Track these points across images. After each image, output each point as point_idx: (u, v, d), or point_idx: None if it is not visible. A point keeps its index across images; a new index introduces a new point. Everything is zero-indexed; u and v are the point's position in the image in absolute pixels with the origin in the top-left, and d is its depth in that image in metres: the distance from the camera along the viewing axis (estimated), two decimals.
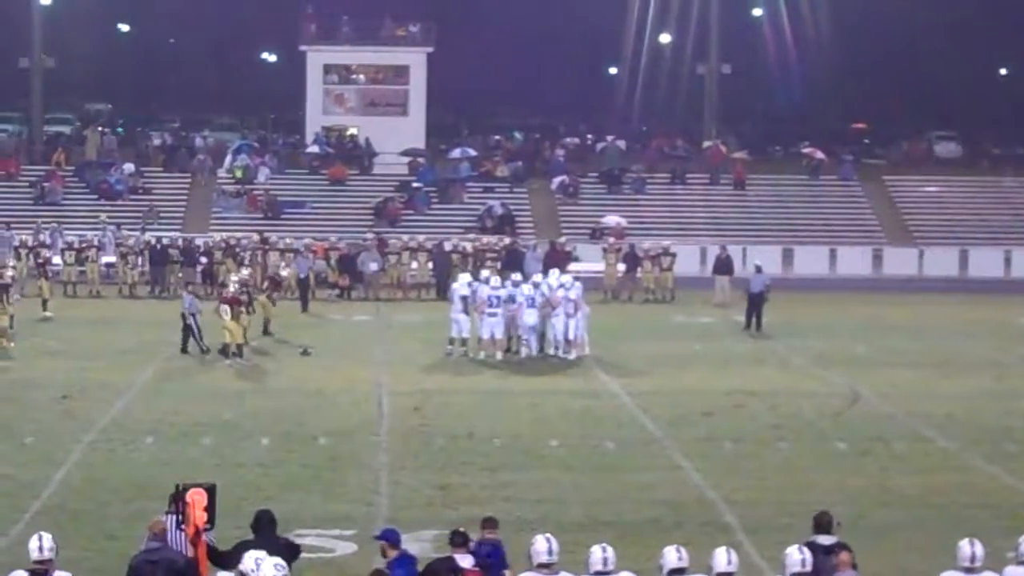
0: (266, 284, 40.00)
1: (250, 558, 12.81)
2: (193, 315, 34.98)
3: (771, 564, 16.91)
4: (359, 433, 26.62)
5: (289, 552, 13.69)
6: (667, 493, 22.49)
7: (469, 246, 49.44)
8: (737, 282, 45.50)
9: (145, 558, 13.62)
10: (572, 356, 34.93)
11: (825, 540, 14.17)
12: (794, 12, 75.09)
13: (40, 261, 44.02)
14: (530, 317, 35.18)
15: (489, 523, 14.83)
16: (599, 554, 13.39)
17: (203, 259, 47.87)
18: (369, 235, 50.77)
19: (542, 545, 13.38)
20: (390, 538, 14.20)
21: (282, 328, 38.52)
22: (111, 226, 52.18)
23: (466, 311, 35.17)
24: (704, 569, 13.40)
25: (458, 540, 14.10)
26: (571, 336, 35.13)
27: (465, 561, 13.83)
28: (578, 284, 36.24)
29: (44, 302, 41.28)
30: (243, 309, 34.36)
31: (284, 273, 43.53)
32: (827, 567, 13.74)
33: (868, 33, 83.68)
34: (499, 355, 34.91)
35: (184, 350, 34.87)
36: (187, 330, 34.96)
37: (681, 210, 60.99)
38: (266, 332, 37.78)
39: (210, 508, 13.98)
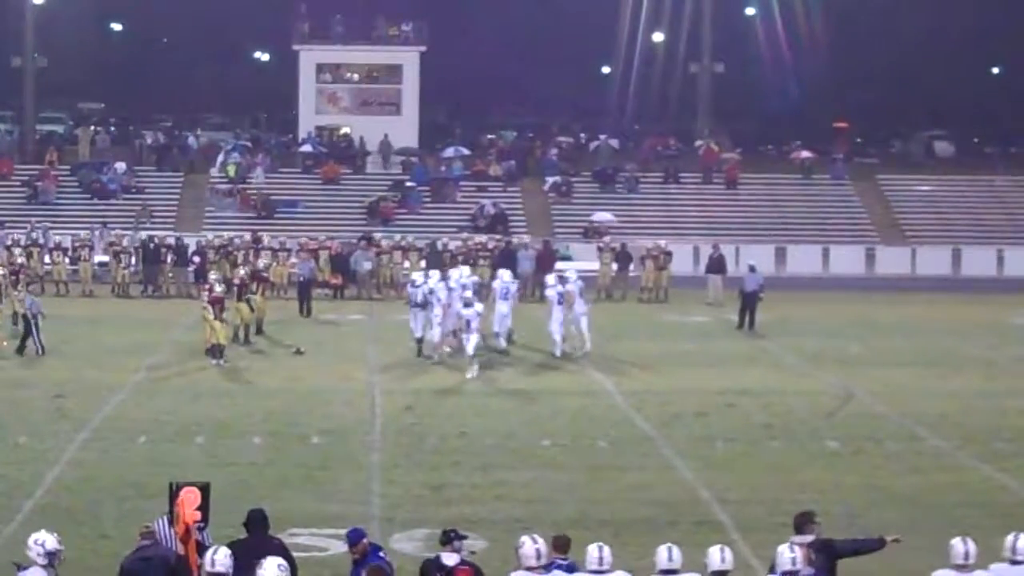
0: (254, 284, 39.56)
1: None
2: (35, 315, 34.73)
3: (764, 563, 16.91)
4: (352, 432, 26.63)
5: (285, 557, 13.65)
6: (660, 492, 22.51)
7: (455, 244, 49.34)
8: (730, 281, 45.51)
9: (137, 556, 13.64)
10: (584, 350, 34.97)
11: (800, 540, 14.14)
12: (787, 11, 75.12)
13: (16, 267, 41.91)
14: (502, 307, 35.40)
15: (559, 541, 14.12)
16: (595, 553, 13.41)
17: (196, 258, 47.85)
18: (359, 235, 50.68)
19: (530, 549, 13.35)
20: (351, 537, 14.28)
21: (275, 328, 38.52)
22: (98, 225, 52.20)
23: (419, 309, 35.14)
24: (700, 568, 13.41)
25: (444, 539, 14.07)
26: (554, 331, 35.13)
27: (450, 559, 13.82)
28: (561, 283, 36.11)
29: (15, 314, 38.74)
30: (224, 308, 34.28)
31: (261, 265, 42.41)
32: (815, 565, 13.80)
33: (861, 32, 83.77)
34: (443, 353, 34.55)
35: (20, 351, 34.31)
36: (28, 329, 34.60)
37: (674, 209, 61.01)
38: (259, 331, 37.76)
39: (204, 507, 14.00)
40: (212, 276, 37.01)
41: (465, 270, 38.41)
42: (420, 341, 35.00)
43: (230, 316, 35.50)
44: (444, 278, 36.18)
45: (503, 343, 35.62)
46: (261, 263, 43.74)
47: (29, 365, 33.32)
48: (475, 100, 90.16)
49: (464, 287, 35.35)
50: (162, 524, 14.26)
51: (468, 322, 33.16)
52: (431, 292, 34.82)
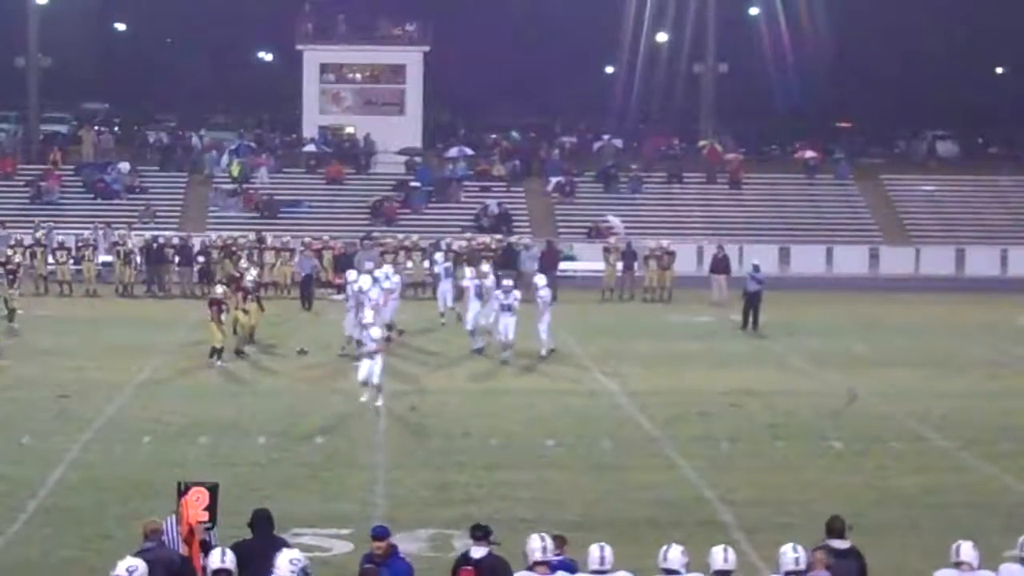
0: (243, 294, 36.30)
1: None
2: None
3: (768, 563, 16.91)
4: (356, 432, 26.64)
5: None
6: (664, 492, 22.50)
7: (458, 244, 49.37)
8: (734, 281, 45.52)
9: (141, 558, 13.62)
10: (505, 355, 34.30)
11: (839, 544, 14.12)
12: (791, 11, 75.12)
13: (15, 266, 41.45)
14: (475, 306, 35.39)
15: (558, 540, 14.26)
16: (596, 553, 13.42)
17: (200, 258, 47.85)
18: (389, 238, 50.55)
19: (537, 543, 13.39)
20: (379, 532, 14.31)
21: (279, 327, 38.49)
22: (102, 225, 52.28)
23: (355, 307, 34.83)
24: (703, 568, 13.41)
25: (473, 534, 14.13)
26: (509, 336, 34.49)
27: (477, 553, 13.86)
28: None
29: (12, 312, 39.03)
30: (224, 310, 33.97)
31: (250, 276, 37.91)
32: (839, 571, 13.74)
33: (865, 32, 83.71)
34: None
35: None
36: None
37: (678, 209, 61.00)
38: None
39: (212, 507, 14.02)
40: (250, 276, 36.23)
41: (389, 269, 37.55)
42: (351, 340, 34.57)
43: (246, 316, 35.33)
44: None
45: (479, 342, 35.44)
46: (250, 275, 39.38)
47: (33, 365, 33.29)
48: (478, 100, 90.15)
49: (392, 291, 34.64)
50: (171, 522, 14.27)
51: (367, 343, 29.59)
52: (361, 291, 34.16)
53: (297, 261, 46.57)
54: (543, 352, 34.94)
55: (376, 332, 29.48)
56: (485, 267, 37.95)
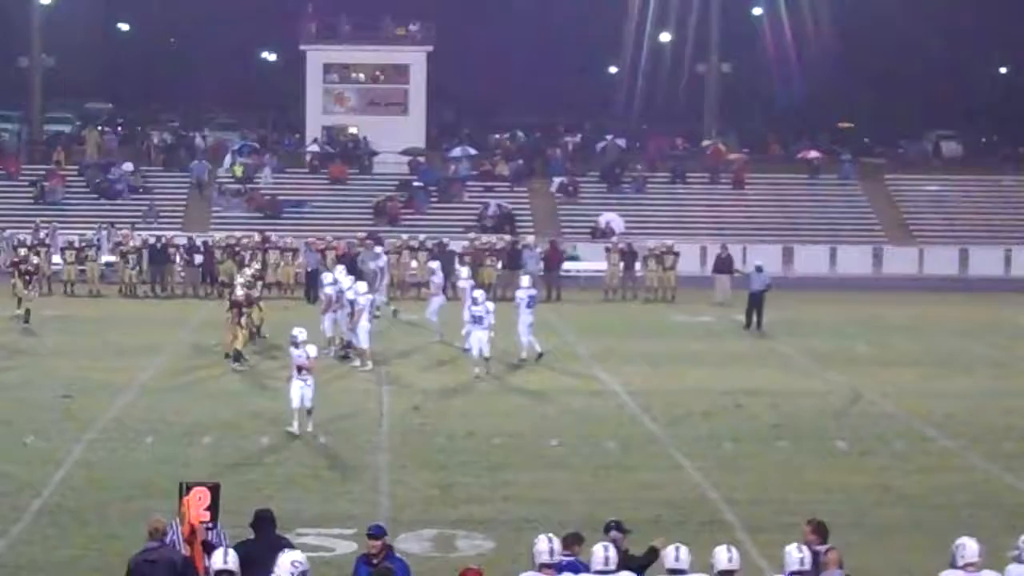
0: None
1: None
2: None
3: (771, 563, 16.91)
4: (359, 432, 26.62)
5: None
6: (668, 492, 22.49)
7: (460, 244, 49.36)
8: (738, 281, 45.50)
9: (144, 558, 13.65)
10: (478, 371, 32.54)
11: (823, 549, 14.12)
12: (794, 11, 75.13)
13: (25, 267, 41.08)
14: (435, 303, 35.46)
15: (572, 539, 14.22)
16: (601, 553, 13.41)
17: (197, 257, 47.81)
18: (361, 234, 50.57)
19: (544, 545, 13.36)
20: (375, 532, 14.34)
21: (282, 325, 38.42)
22: (106, 225, 52.31)
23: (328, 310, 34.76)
24: (706, 568, 13.40)
25: (606, 528, 14.17)
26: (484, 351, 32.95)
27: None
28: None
29: (27, 312, 39.23)
30: (246, 311, 33.91)
31: (240, 290, 35.64)
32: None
33: (868, 32, 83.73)
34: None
35: None
36: None
37: (681, 209, 60.98)
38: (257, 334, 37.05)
39: (213, 507, 14.02)
40: (239, 280, 36.12)
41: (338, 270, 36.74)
42: (332, 342, 34.50)
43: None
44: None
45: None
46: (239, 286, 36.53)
47: (37, 365, 33.30)
48: (482, 100, 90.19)
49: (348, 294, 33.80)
50: (176, 524, 14.29)
51: (298, 369, 26.50)
52: (341, 292, 34.09)
53: (302, 256, 46.73)
54: (523, 355, 34.22)
55: (313, 349, 26.72)
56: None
